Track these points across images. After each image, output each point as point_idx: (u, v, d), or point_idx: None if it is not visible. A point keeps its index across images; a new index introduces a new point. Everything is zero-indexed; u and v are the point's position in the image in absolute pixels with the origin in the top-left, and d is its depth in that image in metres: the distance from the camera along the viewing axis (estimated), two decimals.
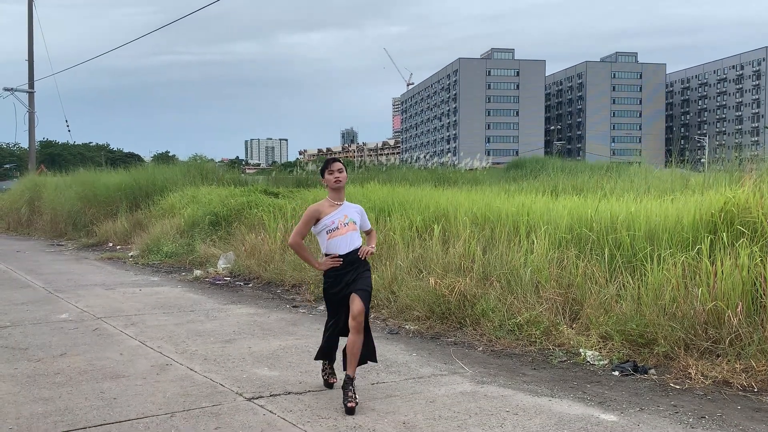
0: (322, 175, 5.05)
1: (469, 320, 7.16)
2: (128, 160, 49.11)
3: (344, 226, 4.95)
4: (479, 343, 6.73)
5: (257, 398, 4.96)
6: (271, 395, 5.03)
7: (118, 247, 16.43)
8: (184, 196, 16.48)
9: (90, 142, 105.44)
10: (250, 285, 10.67)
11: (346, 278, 4.93)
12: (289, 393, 5.10)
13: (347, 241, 4.94)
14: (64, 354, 6.26)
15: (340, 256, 4.93)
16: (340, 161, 5.06)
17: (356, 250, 4.97)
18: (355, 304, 4.80)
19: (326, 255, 5.00)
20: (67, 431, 4.26)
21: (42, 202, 22.27)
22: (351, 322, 4.80)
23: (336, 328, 5.09)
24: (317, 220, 5.00)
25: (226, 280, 11.06)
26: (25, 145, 51.85)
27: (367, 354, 4.99)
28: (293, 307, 8.84)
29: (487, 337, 6.78)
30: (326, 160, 5.05)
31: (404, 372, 5.75)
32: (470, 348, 6.61)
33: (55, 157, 79.00)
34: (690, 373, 5.38)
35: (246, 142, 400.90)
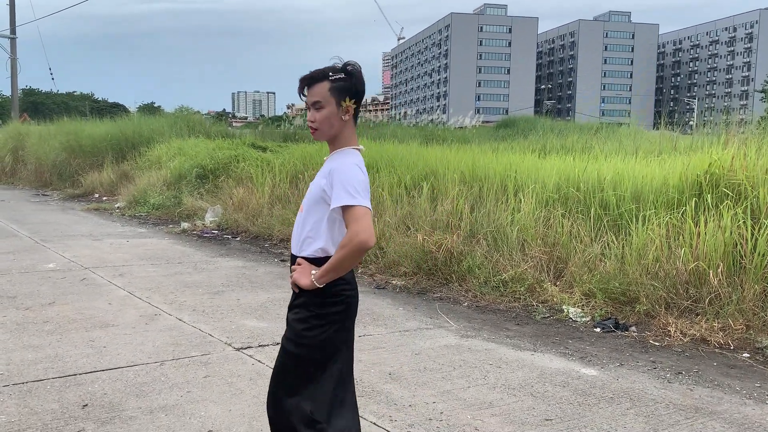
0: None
1: (456, 276, 7.26)
2: (113, 110, 48.38)
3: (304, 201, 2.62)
4: (464, 298, 6.84)
5: (246, 348, 5.04)
6: (260, 345, 5.11)
7: (105, 198, 16.33)
8: (171, 148, 16.31)
9: (74, 91, 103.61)
10: (238, 238, 10.70)
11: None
12: (278, 344, 5.15)
13: (295, 232, 2.61)
14: (52, 303, 6.29)
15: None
16: (315, 79, 2.47)
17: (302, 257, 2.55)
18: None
19: None
20: (58, 377, 4.32)
21: (26, 151, 21.97)
22: None
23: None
24: None
25: (214, 233, 11.07)
26: (7, 92, 50.83)
27: None
28: (281, 260, 8.89)
29: (473, 293, 6.89)
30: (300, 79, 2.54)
31: (391, 325, 5.85)
32: (456, 303, 6.72)
33: (39, 105, 77.60)
34: (669, 331, 5.52)
35: (233, 94, 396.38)
